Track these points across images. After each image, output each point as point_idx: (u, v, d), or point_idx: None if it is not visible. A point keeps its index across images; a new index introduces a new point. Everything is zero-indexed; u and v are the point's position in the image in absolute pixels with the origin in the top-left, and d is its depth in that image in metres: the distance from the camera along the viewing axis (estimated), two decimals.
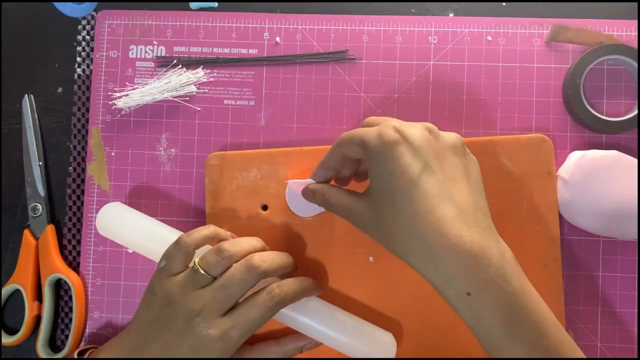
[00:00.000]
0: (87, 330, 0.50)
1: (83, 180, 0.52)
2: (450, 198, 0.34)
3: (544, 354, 0.32)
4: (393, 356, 0.44)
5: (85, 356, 0.44)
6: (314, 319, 0.43)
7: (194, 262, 0.41)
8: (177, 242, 0.41)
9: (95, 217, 0.49)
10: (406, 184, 0.34)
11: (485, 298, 0.32)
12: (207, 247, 0.43)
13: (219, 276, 0.40)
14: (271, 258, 0.41)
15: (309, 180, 0.43)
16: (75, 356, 0.44)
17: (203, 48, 0.52)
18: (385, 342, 0.45)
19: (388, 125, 0.35)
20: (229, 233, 0.44)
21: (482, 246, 0.33)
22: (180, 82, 0.51)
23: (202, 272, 0.40)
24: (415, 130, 0.35)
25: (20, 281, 0.50)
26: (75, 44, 0.53)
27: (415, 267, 0.35)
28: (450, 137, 0.37)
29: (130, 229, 0.46)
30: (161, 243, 0.43)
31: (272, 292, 0.40)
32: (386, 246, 0.37)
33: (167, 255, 0.42)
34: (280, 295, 0.40)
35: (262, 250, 0.42)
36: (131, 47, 0.52)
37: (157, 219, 0.48)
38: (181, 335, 0.39)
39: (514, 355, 0.32)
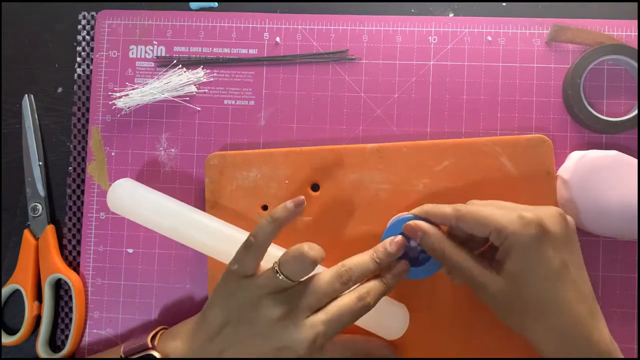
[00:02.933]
0: (87, 330, 0.50)
1: (83, 180, 0.52)
2: (582, 292, 0.37)
3: None
4: (406, 327, 0.44)
5: (156, 341, 0.43)
6: None
7: (276, 267, 0.40)
8: (248, 246, 0.41)
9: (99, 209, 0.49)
10: (550, 277, 0.37)
11: None
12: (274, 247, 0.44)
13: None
14: (359, 262, 0.41)
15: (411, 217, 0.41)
16: (149, 342, 0.43)
17: (203, 48, 0.52)
18: (399, 313, 0.45)
19: (529, 217, 0.37)
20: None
21: (604, 340, 0.37)
22: (180, 82, 0.51)
23: (283, 279, 0.39)
24: (553, 218, 0.37)
25: (20, 281, 0.50)
26: (75, 44, 0.53)
27: (543, 352, 0.37)
28: (571, 221, 0.39)
29: (141, 205, 0.46)
30: (173, 219, 0.44)
31: (364, 298, 0.40)
32: (514, 327, 0.38)
33: (238, 260, 0.41)
34: (370, 302, 0.40)
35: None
36: (131, 47, 0.52)
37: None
38: (264, 338, 0.39)
39: None
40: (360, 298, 0.40)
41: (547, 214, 0.38)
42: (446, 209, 0.40)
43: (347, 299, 0.40)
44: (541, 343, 0.37)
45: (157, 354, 0.42)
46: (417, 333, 0.46)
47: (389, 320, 0.44)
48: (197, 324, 0.43)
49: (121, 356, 0.42)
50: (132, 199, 0.46)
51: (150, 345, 0.42)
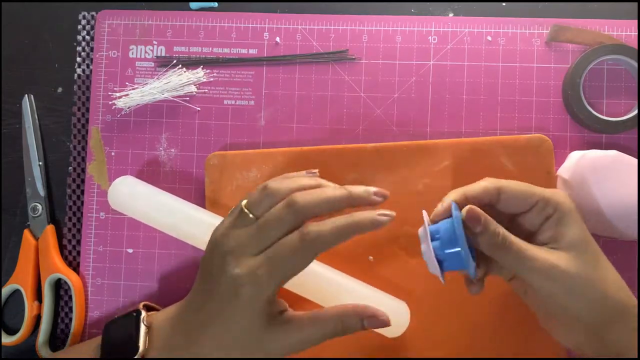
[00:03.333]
0: (87, 330, 0.50)
1: (83, 180, 0.52)
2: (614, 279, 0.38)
3: None
4: (407, 324, 0.44)
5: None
6: (325, 285, 0.44)
7: (241, 202, 0.37)
8: (264, 188, 0.37)
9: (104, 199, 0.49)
10: (594, 245, 0.37)
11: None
12: None
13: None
14: (318, 192, 0.36)
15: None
16: (140, 306, 0.41)
17: (203, 48, 0.52)
18: (399, 310, 0.45)
19: (560, 190, 0.40)
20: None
21: (633, 303, 0.37)
22: (180, 82, 0.51)
23: (245, 211, 0.37)
24: None
25: (20, 281, 0.50)
26: (75, 44, 0.53)
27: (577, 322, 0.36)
28: None
29: (142, 202, 0.46)
30: (173, 216, 0.44)
31: (305, 229, 0.35)
32: (579, 308, 0.36)
33: (250, 201, 0.37)
34: (316, 232, 0.34)
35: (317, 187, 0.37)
36: (131, 47, 0.52)
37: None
38: (217, 276, 0.36)
39: None
40: (302, 229, 0.35)
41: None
42: (485, 183, 0.37)
43: (291, 234, 0.35)
44: (589, 310, 0.36)
45: (142, 310, 0.40)
46: (418, 330, 0.46)
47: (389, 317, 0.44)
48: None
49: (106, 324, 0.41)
50: (133, 196, 0.47)
51: (140, 308, 0.41)
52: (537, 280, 0.35)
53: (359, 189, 0.37)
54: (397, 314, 0.44)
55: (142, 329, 0.39)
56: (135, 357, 0.38)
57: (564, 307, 0.36)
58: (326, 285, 0.44)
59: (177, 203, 0.47)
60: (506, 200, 0.37)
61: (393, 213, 0.36)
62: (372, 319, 0.37)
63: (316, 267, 0.45)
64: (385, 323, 0.37)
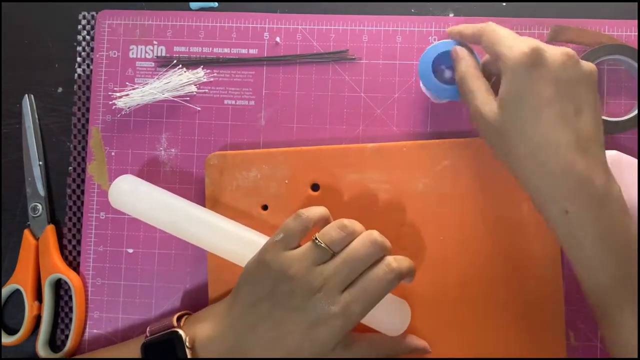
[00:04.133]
0: (87, 330, 0.50)
1: (83, 180, 0.52)
2: (573, 126, 0.36)
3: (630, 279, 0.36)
4: (407, 323, 0.44)
5: (182, 323, 0.43)
6: None
7: (316, 237, 0.40)
8: (298, 216, 0.41)
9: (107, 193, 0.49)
10: (537, 107, 0.36)
11: (582, 218, 0.36)
12: None
13: (339, 252, 0.40)
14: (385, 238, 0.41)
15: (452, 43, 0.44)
16: (175, 322, 0.42)
17: (203, 48, 0.52)
18: (400, 309, 0.45)
19: (529, 46, 0.37)
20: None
21: (590, 175, 0.36)
22: (180, 82, 0.51)
23: (324, 246, 0.39)
24: (555, 55, 0.37)
25: (20, 281, 0.50)
26: (75, 44, 0.53)
27: (522, 180, 0.38)
28: (588, 67, 0.38)
29: (143, 201, 0.46)
30: (174, 214, 0.44)
31: (391, 264, 0.39)
32: (498, 152, 0.39)
33: (285, 229, 0.40)
34: (399, 268, 0.39)
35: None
36: (131, 47, 0.52)
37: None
38: (298, 312, 0.38)
39: (603, 271, 0.36)
40: (387, 264, 0.39)
41: (554, 50, 0.38)
42: (474, 27, 0.42)
43: (376, 268, 0.39)
44: (517, 167, 0.38)
45: (182, 333, 0.40)
46: (419, 329, 0.46)
47: (390, 316, 0.44)
48: (227, 305, 0.42)
49: (146, 336, 0.42)
50: (134, 195, 0.47)
51: (175, 325, 0.42)
52: (471, 120, 0.41)
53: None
54: (398, 312, 0.44)
55: (188, 353, 0.40)
56: None
57: (500, 157, 0.40)
58: None
59: (179, 202, 0.47)
60: (484, 46, 0.40)
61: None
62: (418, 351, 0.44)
63: None
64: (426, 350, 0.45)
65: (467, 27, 0.42)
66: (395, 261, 0.40)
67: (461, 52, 0.42)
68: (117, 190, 0.47)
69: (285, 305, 0.39)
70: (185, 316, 0.44)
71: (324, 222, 0.42)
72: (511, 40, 0.38)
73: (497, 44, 0.38)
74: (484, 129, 0.39)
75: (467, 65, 0.41)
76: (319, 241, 0.39)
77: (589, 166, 0.36)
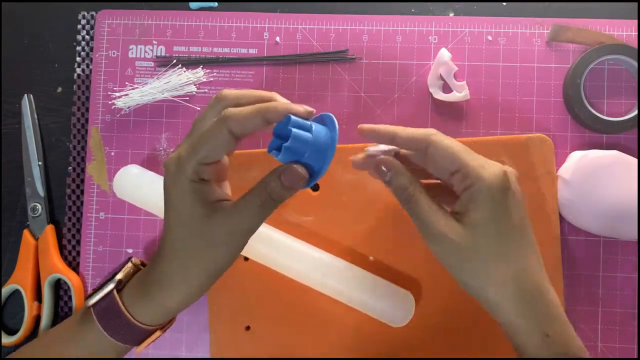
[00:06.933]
0: None
1: (83, 180, 0.52)
2: (534, 245, 0.37)
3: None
4: (411, 314, 0.44)
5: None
6: (331, 276, 0.44)
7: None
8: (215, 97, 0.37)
9: (113, 180, 0.49)
10: (511, 232, 0.35)
11: (560, 338, 0.35)
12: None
13: None
14: (246, 89, 0.37)
15: (386, 148, 0.38)
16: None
17: (203, 48, 0.52)
18: (405, 299, 0.45)
19: (501, 168, 0.35)
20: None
21: (558, 301, 0.36)
22: (180, 81, 0.51)
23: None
24: (512, 177, 0.36)
25: (20, 281, 0.50)
26: (75, 43, 0.53)
27: (489, 301, 0.36)
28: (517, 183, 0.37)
29: (147, 189, 0.47)
30: None
31: (225, 112, 0.35)
32: (463, 275, 0.36)
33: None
34: (231, 111, 0.34)
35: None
36: (131, 46, 0.52)
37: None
38: None
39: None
40: (219, 114, 0.35)
41: (510, 169, 0.36)
42: (418, 132, 0.36)
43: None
44: (495, 294, 0.35)
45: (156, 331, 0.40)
46: (423, 320, 0.46)
47: (394, 307, 0.44)
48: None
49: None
50: (138, 184, 0.47)
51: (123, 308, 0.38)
52: (429, 243, 0.36)
53: (283, 100, 0.37)
54: (402, 303, 0.45)
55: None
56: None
57: (457, 279, 0.37)
58: (337, 272, 0.45)
59: None
60: (432, 156, 0.36)
61: (311, 109, 0.36)
62: (285, 173, 0.36)
63: (329, 259, 0.45)
64: (300, 175, 0.35)
65: (406, 130, 0.37)
66: (234, 109, 0.35)
67: (395, 164, 0.37)
68: (122, 180, 0.48)
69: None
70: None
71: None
72: (477, 158, 0.36)
73: (462, 162, 0.35)
74: (445, 253, 0.36)
75: (410, 181, 0.36)
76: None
77: (554, 294, 0.36)
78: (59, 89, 0.53)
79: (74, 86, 0.53)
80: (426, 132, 0.36)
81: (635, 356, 0.47)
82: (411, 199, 0.36)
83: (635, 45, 0.48)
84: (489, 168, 0.35)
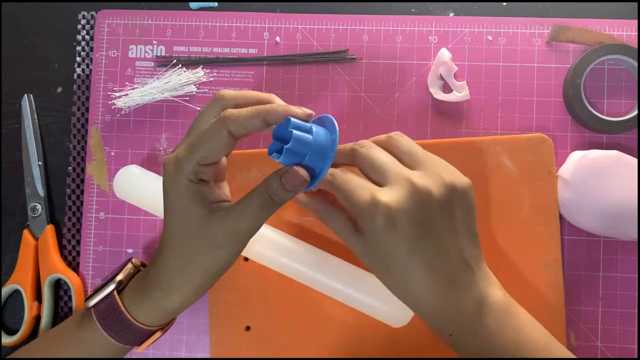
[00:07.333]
0: None
1: (82, 180, 0.52)
2: (432, 267, 0.35)
3: None
4: (411, 315, 0.44)
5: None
6: (331, 277, 0.44)
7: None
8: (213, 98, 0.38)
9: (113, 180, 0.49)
10: (396, 262, 0.36)
11: (464, 340, 0.37)
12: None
13: None
14: (245, 90, 0.38)
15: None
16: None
17: (203, 48, 0.52)
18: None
19: (378, 202, 0.34)
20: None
21: (454, 304, 0.36)
22: (180, 81, 0.51)
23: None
24: (408, 213, 0.35)
25: (20, 281, 0.50)
26: (75, 43, 0.53)
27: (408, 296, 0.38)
28: (439, 193, 0.36)
29: (148, 189, 0.47)
30: None
31: (225, 113, 0.35)
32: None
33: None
34: (230, 112, 0.34)
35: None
36: (131, 46, 0.52)
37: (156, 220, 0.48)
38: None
39: None
40: (219, 115, 0.35)
41: (402, 199, 0.35)
42: (329, 176, 0.37)
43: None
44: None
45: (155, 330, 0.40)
46: (422, 321, 0.46)
47: (394, 307, 0.44)
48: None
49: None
50: (139, 184, 0.47)
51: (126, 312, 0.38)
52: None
53: (281, 102, 0.37)
54: (401, 305, 0.44)
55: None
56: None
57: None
58: (337, 272, 0.45)
59: None
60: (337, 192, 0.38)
61: (310, 111, 0.35)
62: (287, 175, 0.35)
63: (330, 260, 0.45)
64: (301, 177, 0.35)
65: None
66: (234, 110, 0.35)
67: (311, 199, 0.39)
68: (121, 180, 0.48)
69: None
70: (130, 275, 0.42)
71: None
72: (360, 190, 0.36)
73: (350, 198, 0.36)
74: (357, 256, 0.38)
75: (319, 208, 0.39)
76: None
77: (458, 294, 0.36)
78: (59, 89, 0.53)
79: (74, 86, 0.53)
80: (331, 176, 0.37)
81: (635, 356, 0.47)
82: (320, 215, 0.39)
83: (635, 45, 0.48)
84: (372, 207, 0.35)
